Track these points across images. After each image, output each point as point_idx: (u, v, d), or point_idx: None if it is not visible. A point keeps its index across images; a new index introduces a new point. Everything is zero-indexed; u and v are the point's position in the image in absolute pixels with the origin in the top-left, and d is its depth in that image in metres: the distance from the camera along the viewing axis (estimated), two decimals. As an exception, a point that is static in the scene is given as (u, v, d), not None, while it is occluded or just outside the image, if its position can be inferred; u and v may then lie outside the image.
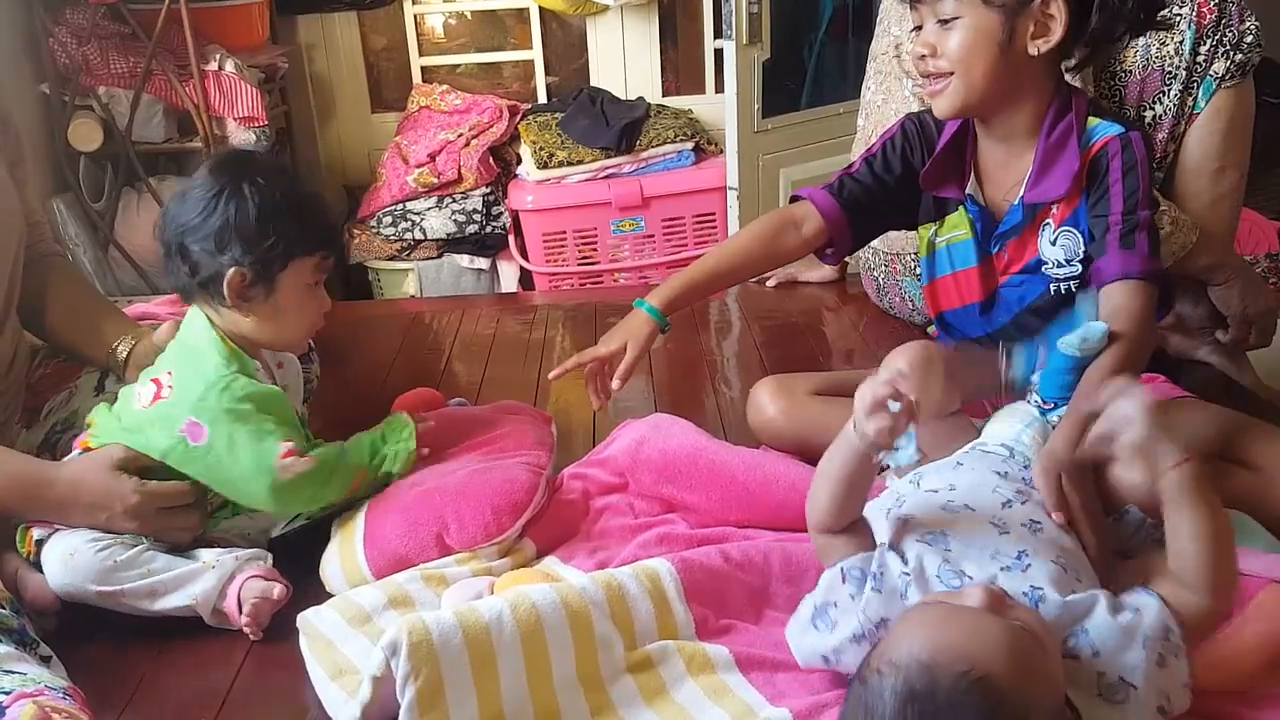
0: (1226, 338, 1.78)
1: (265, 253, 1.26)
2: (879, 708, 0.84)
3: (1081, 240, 1.39)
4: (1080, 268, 1.39)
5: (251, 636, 1.22)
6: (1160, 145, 1.70)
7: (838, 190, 1.54)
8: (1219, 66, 1.66)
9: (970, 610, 0.90)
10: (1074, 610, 0.97)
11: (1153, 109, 1.70)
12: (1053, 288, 1.43)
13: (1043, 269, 1.43)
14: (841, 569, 1.05)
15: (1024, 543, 1.03)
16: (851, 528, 1.10)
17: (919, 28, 1.38)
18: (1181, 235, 1.69)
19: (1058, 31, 1.31)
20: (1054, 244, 1.41)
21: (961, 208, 1.48)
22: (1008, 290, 1.48)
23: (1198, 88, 1.68)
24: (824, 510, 1.10)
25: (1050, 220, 1.41)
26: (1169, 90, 1.68)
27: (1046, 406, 1.26)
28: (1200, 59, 1.66)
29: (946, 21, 1.33)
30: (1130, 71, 1.70)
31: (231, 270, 1.26)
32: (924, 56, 1.36)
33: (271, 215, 1.26)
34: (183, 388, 1.28)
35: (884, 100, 1.89)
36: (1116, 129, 1.35)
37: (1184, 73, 1.67)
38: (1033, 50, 1.32)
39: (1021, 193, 1.41)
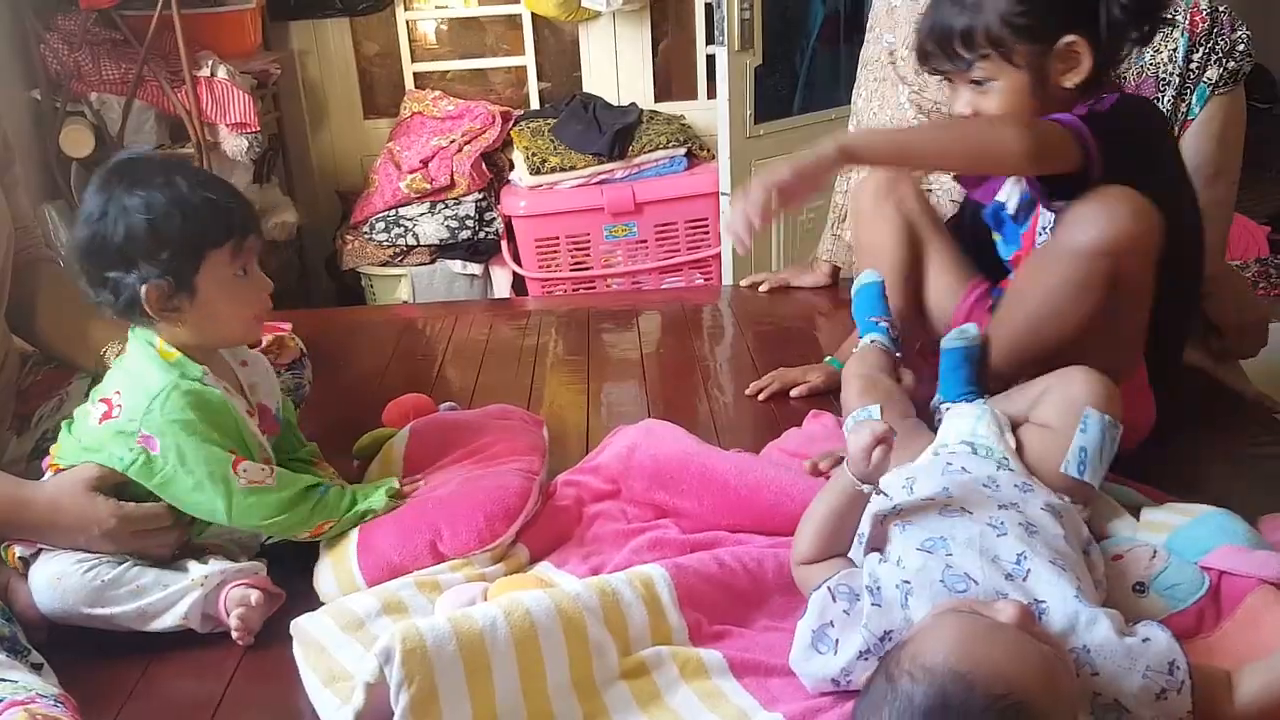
0: (1218, 346, 1.79)
1: (171, 260, 1.20)
2: (906, 710, 0.84)
3: None
4: None
5: (241, 644, 1.22)
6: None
7: None
8: (1212, 73, 1.67)
9: (1007, 629, 0.89)
10: (1074, 622, 0.97)
11: (1146, 115, 1.71)
12: None
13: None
14: (828, 589, 1.06)
15: (1022, 544, 1.03)
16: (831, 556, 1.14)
17: (948, 78, 1.40)
18: None
19: (1086, 63, 1.33)
20: (1045, 231, 1.44)
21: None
22: None
23: (1191, 94, 1.69)
24: (812, 546, 1.14)
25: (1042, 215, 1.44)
26: (1163, 97, 1.69)
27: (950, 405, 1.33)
28: (1193, 66, 1.68)
29: (979, 82, 1.36)
30: (1124, 78, 1.71)
31: (145, 287, 1.20)
32: (966, 116, 1.39)
33: (163, 220, 1.19)
34: (130, 405, 1.25)
35: (879, 106, 1.90)
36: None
37: (1177, 79, 1.68)
38: (1068, 84, 1.34)
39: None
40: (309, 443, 1.49)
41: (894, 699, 0.85)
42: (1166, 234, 1.28)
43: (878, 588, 1.03)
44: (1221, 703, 0.96)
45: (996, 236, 1.56)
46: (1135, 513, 1.29)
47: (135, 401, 1.24)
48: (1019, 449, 1.24)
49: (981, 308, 1.54)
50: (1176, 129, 1.72)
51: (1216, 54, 1.67)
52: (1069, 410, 1.20)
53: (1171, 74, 1.68)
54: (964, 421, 1.27)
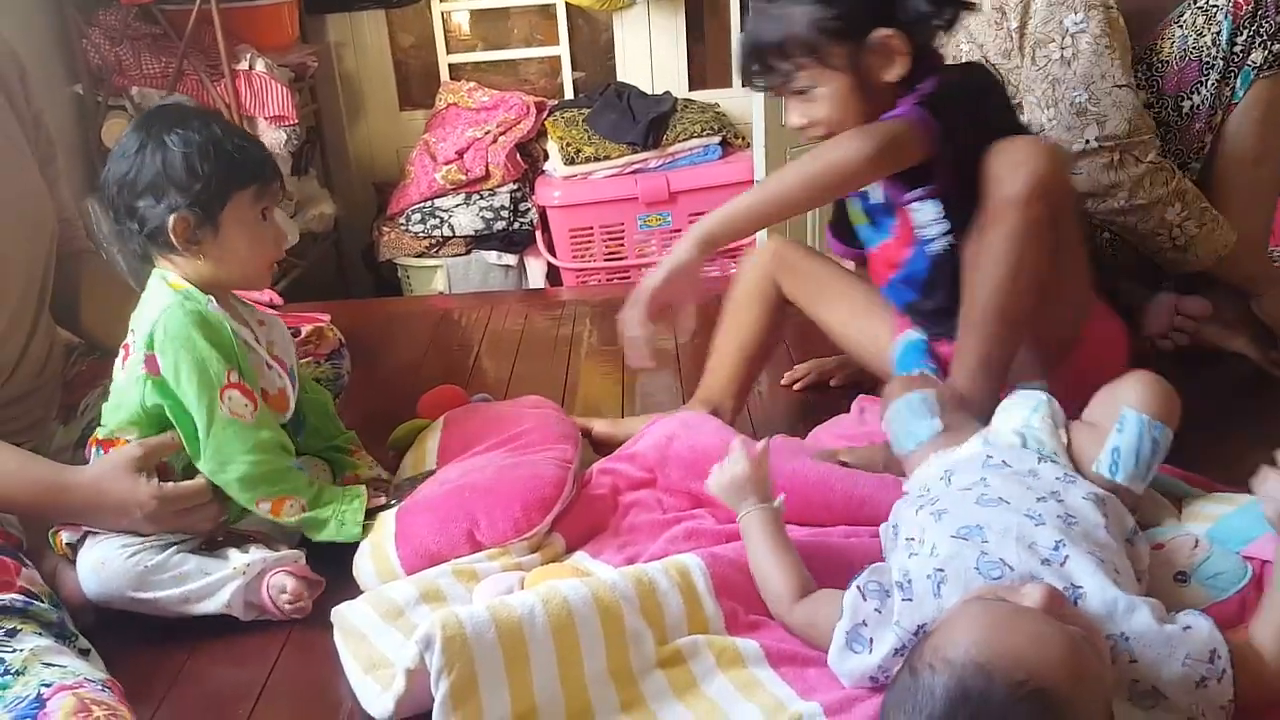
0: (1277, 356, 1.76)
1: (201, 193, 1.27)
2: (928, 704, 0.83)
3: (939, 205, 1.40)
4: (948, 225, 1.40)
5: (296, 616, 1.25)
6: (1197, 135, 1.69)
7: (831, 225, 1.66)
8: (1257, 56, 1.64)
9: (1030, 613, 0.88)
10: (1112, 610, 0.96)
11: (1190, 99, 1.68)
12: (929, 250, 1.44)
13: (920, 234, 1.44)
14: (858, 587, 1.05)
15: (1059, 534, 1.02)
16: (820, 594, 1.12)
17: (776, 93, 1.42)
18: (1223, 233, 1.68)
19: (902, 55, 1.34)
20: (918, 211, 1.42)
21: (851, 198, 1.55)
22: (911, 261, 1.49)
23: (1235, 78, 1.66)
24: (786, 588, 1.13)
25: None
26: (1206, 80, 1.67)
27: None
28: (1238, 49, 1.65)
29: (804, 92, 1.37)
30: (1167, 62, 1.68)
31: (173, 217, 1.27)
32: (803, 128, 1.40)
33: (199, 156, 1.27)
34: (139, 334, 1.31)
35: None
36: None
37: (1221, 62, 1.65)
38: (889, 78, 1.35)
39: None
40: (347, 430, 1.51)
41: (916, 692, 0.85)
42: None
43: (908, 581, 1.02)
44: (1259, 673, 0.95)
45: (863, 221, 1.56)
46: (1179, 503, 1.28)
47: (142, 329, 1.30)
48: (1069, 445, 1.22)
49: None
50: (1220, 114, 1.69)
51: (1261, 36, 1.64)
52: (1114, 408, 1.19)
53: (1215, 57, 1.65)
54: (1019, 411, 1.24)
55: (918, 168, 1.34)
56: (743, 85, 1.45)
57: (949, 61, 1.78)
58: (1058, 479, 1.12)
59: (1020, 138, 1.32)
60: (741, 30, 1.41)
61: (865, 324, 1.63)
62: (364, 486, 1.38)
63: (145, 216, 1.28)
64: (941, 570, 1.01)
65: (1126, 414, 1.17)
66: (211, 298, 1.31)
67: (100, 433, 1.33)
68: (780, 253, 1.67)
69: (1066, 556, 1.00)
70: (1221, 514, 1.24)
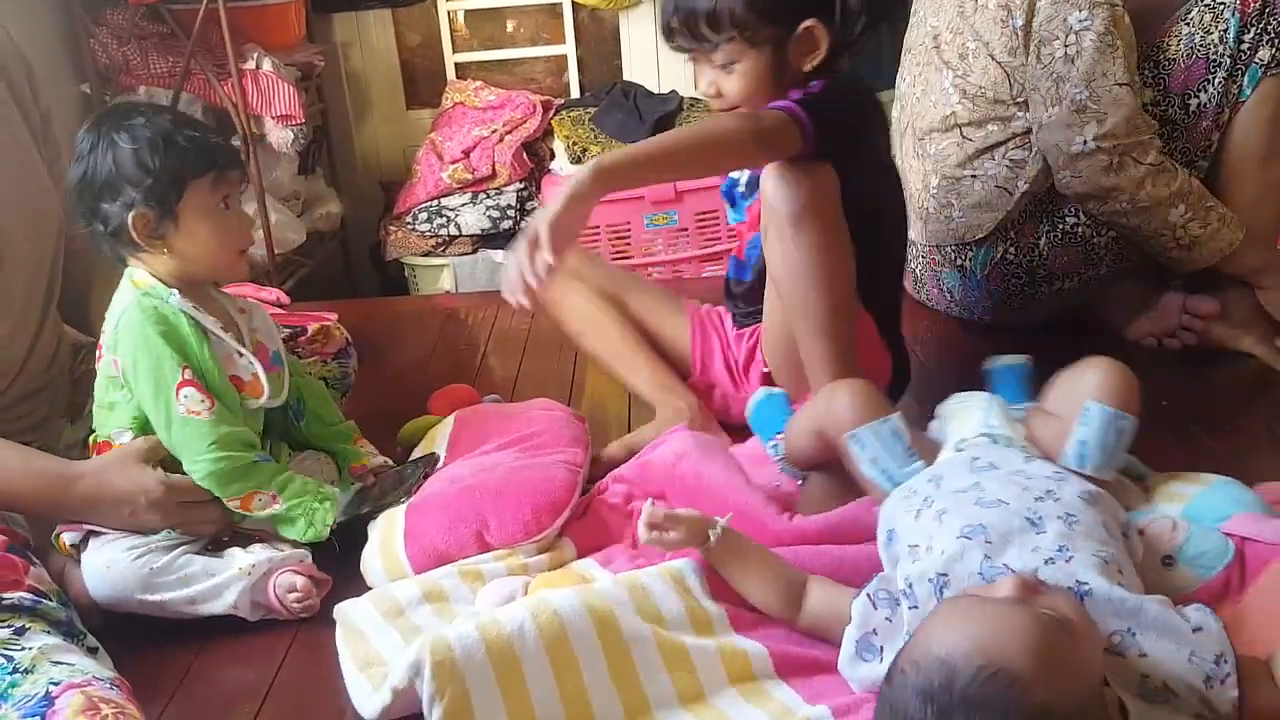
0: None
1: (155, 187, 1.26)
2: (902, 708, 0.84)
3: None
4: None
5: (305, 615, 1.25)
6: (1204, 133, 1.68)
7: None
8: (1264, 54, 1.64)
9: (995, 602, 0.89)
10: (1119, 607, 0.96)
11: (1197, 97, 1.68)
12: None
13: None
14: (868, 595, 1.05)
15: (1063, 538, 1.02)
16: (812, 591, 1.12)
17: (692, 58, 1.45)
18: (1229, 232, 1.67)
19: (824, 47, 1.40)
20: None
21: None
22: (750, 245, 1.57)
23: (1243, 75, 1.66)
24: (782, 603, 1.13)
25: None
26: (1213, 78, 1.66)
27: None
28: (1245, 47, 1.64)
29: (725, 65, 1.41)
30: (1174, 60, 1.68)
31: (132, 214, 1.27)
32: (711, 96, 1.45)
33: (149, 150, 1.26)
34: (106, 334, 1.32)
35: (922, 92, 1.88)
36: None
37: (1228, 60, 1.65)
38: (806, 67, 1.41)
39: None
40: (346, 420, 1.51)
41: (892, 698, 0.86)
42: (871, 204, 1.41)
43: (910, 588, 1.02)
44: (1265, 690, 0.95)
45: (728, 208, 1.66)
46: (1139, 481, 1.30)
47: (107, 329, 1.31)
48: (1030, 437, 1.22)
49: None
50: (1227, 112, 1.68)
51: (1269, 34, 1.64)
52: (1075, 400, 1.19)
53: (1222, 55, 1.65)
54: (975, 414, 1.25)
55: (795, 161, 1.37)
56: (665, 40, 1.47)
57: (952, 61, 1.79)
58: (1048, 477, 1.11)
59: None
60: None
61: (663, 315, 1.73)
62: (336, 490, 1.37)
63: (107, 216, 1.29)
64: (944, 575, 1.00)
65: (1090, 406, 1.17)
66: (175, 291, 1.31)
67: (99, 435, 1.34)
68: (578, 269, 1.73)
69: (1071, 556, 1.00)
70: (1193, 493, 1.26)
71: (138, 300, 1.29)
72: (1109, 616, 0.95)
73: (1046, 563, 0.99)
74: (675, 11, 1.42)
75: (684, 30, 1.42)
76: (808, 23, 1.38)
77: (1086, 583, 0.97)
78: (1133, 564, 1.05)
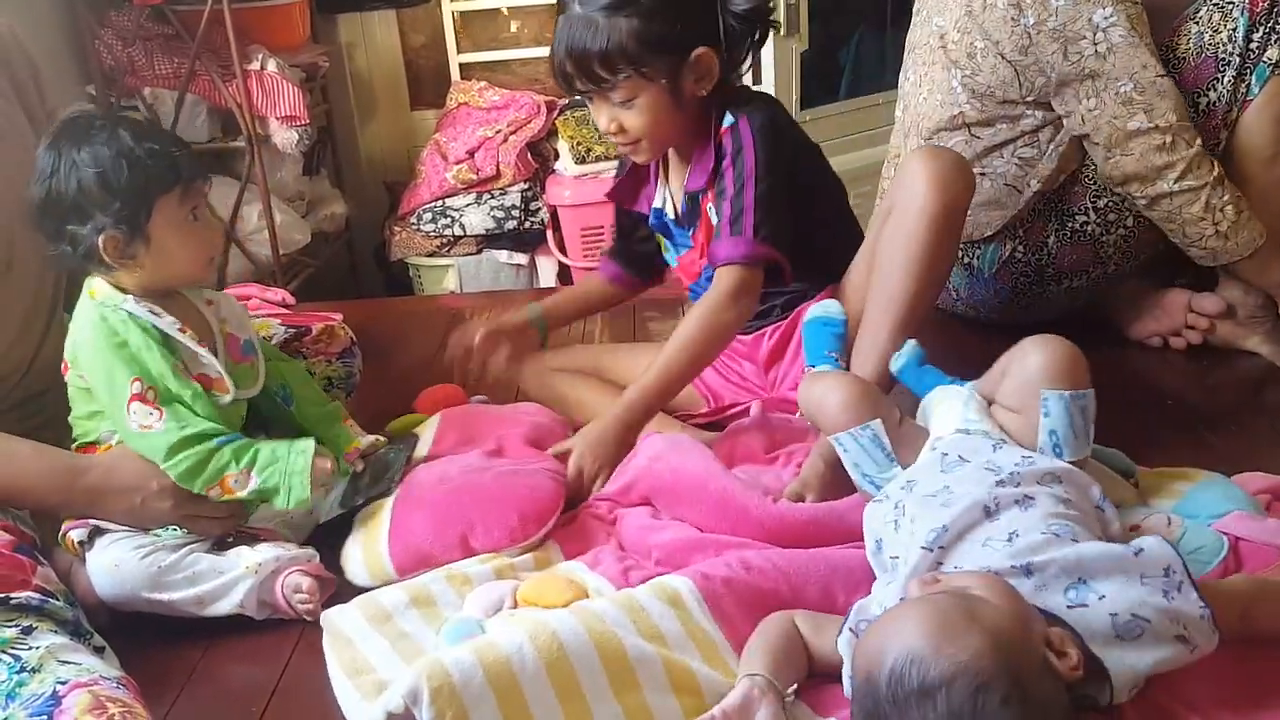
0: None
1: (123, 210, 1.24)
2: None
3: None
4: None
5: (308, 619, 1.24)
6: (1213, 132, 1.68)
7: (612, 253, 1.77)
8: (1272, 53, 1.64)
9: (896, 606, 0.94)
10: (1062, 565, 0.97)
11: (1206, 95, 1.68)
12: None
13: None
14: (850, 630, 1.02)
15: (1014, 523, 1.03)
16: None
17: (588, 97, 1.47)
18: (1251, 229, 1.67)
19: (715, 71, 1.44)
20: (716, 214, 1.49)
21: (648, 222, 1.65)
22: (708, 268, 1.56)
23: (1251, 74, 1.66)
24: (782, 670, 1.05)
25: (711, 205, 1.51)
26: (1222, 77, 1.66)
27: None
28: (1253, 46, 1.64)
29: (624, 103, 1.43)
30: (1184, 58, 1.68)
31: (102, 238, 1.24)
32: (612, 133, 1.47)
33: (112, 171, 1.23)
34: (68, 346, 1.32)
35: (928, 91, 1.87)
36: (731, 119, 1.46)
37: (1237, 59, 1.65)
38: (701, 92, 1.45)
39: (684, 185, 1.55)
40: (331, 402, 1.50)
41: None
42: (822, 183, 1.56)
43: (883, 610, 1.01)
44: (1240, 607, 1.01)
45: (663, 244, 1.67)
46: (1125, 475, 1.31)
47: (68, 342, 1.31)
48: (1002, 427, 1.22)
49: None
50: (1236, 111, 1.68)
51: (1277, 33, 1.64)
52: (1029, 392, 1.18)
53: (1231, 54, 1.65)
54: (953, 409, 1.24)
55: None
56: (559, 85, 1.49)
57: (960, 60, 1.78)
58: (1016, 463, 1.11)
59: (932, 153, 1.45)
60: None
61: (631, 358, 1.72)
62: (311, 440, 1.32)
63: (76, 238, 1.26)
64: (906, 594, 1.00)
65: (1047, 396, 1.17)
66: (130, 297, 1.29)
67: (82, 440, 1.33)
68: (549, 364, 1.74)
69: (1016, 538, 1.01)
70: (1185, 490, 1.28)
71: (90, 313, 1.28)
72: (1058, 578, 0.97)
73: (993, 552, 1.00)
74: (567, 56, 1.42)
75: (579, 73, 1.42)
76: (699, 50, 1.41)
77: (1028, 561, 0.98)
78: (1099, 533, 1.06)
